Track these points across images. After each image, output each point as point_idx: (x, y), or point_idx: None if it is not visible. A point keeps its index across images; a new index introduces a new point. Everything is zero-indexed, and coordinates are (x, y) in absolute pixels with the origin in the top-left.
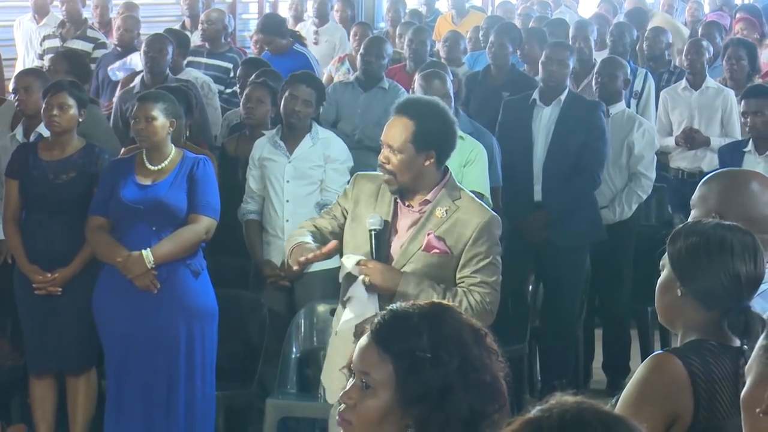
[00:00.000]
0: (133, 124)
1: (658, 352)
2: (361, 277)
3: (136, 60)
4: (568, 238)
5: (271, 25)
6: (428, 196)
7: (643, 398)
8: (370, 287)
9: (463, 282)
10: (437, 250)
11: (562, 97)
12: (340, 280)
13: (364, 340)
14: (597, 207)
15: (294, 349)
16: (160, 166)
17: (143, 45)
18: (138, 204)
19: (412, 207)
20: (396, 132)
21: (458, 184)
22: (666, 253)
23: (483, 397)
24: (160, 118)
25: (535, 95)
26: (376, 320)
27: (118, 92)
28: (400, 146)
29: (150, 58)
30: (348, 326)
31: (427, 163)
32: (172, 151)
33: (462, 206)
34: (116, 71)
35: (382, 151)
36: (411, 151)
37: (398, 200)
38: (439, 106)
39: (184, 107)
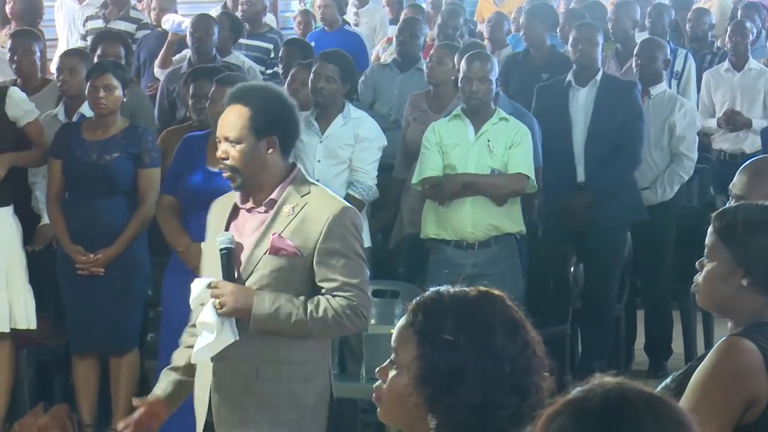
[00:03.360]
0: (209, 105)
1: (727, 336)
2: (211, 301)
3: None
4: (611, 218)
5: None
6: (273, 195)
7: (717, 385)
8: (222, 311)
9: (323, 287)
10: (284, 251)
11: (598, 77)
12: (191, 305)
13: (402, 319)
14: (637, 187)
15: None
16: None
17: (189, 26)
18: (203, 192)
19: (256, 208)
20: (231, 121)
21: (309, 178)
22: (714, 240)
23: (499, 388)
24: None
25: (570, 77)
26: (414, 300)
27: (157, 70)
28: (238, 136)
29: (196, 39)
30: (202, 356)
31: (270, 150)
32: None
33: (311, 201)
34: (169, 23)
35: (219, 147)
36: (251, 138)
37: (238, 203)
38: (274, 90)
39: None
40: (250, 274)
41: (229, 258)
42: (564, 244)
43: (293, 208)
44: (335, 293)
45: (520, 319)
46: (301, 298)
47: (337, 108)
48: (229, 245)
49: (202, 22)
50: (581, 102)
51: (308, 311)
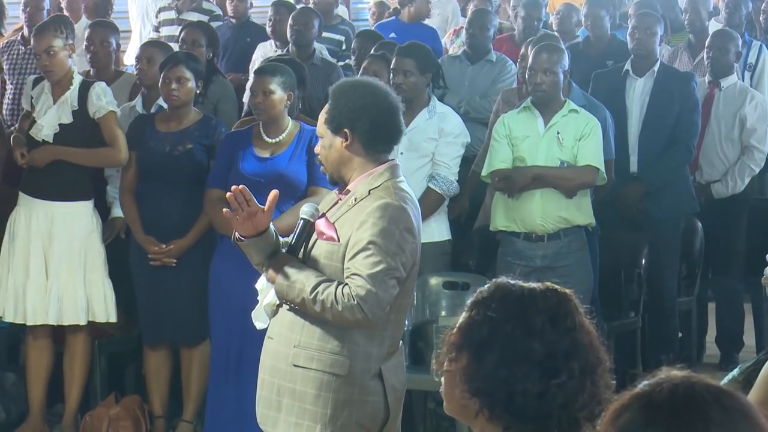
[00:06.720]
0: (250, 97)
1: None
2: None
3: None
4: (664, 210)
5: None
6: (350, 185)
7: None
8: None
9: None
10: (325, 236)
11: (655, 68)
12: None
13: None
14: (690, 179)
15: (406, 322)
16: (278, 139)
17: (290, 18)
18: (259, 177)
19: (342, 196)
20: (320, 119)
21: (396, 175)
22: None
23: (526, 364)
24: (278, 92)
25: (628, 66)
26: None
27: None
28: (320, 130)
29: (295, 31)
30: (256, 320)
31: (344, 144)
32: (289, 123)
33: (373, 194)
34: None
35: None
36: (327, 132)
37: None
38: (357, 85)
39: (297, 79)
40: (311, 254)
41: (305, 228)
42: (635, 234)
43: (355, 198)
44: (348, 279)
45: (577, 313)
46: (321, 278)
47: (423, 102)
48: (309, 217)
49: (302, 15)
50: (638, 92)
51: (315, 292)
